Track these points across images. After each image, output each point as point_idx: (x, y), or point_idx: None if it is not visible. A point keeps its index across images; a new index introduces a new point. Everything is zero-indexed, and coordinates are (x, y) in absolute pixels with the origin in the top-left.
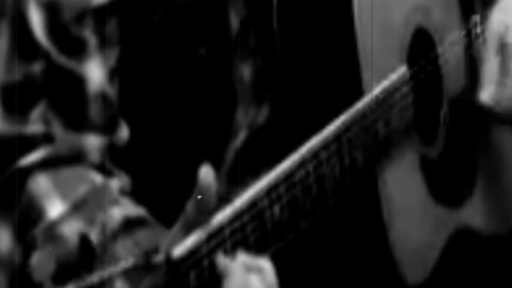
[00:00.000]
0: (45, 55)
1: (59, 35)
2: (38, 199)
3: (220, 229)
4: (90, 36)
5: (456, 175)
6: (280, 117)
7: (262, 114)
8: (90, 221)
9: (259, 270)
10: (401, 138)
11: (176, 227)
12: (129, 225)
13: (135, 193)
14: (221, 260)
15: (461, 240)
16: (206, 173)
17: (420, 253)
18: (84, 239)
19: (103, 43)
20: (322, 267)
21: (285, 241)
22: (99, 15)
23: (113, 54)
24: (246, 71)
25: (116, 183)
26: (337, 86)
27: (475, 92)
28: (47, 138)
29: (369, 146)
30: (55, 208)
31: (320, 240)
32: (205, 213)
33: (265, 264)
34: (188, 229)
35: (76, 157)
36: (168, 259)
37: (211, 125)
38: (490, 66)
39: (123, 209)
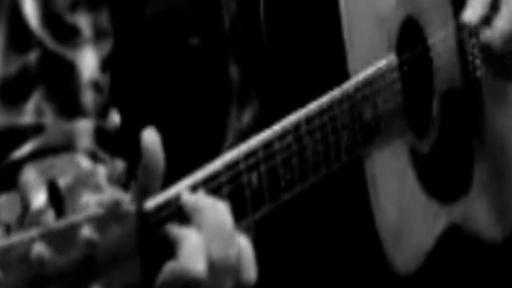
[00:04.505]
0: (39, 44)
1: (53, 23)
2: (27, 191)
3: (194, 187)
4: (83, 25)
5: (448, 170)
6: (268, 116)
7: (246, 118)
8: (72, 209)
9: None
10: (389, 126)
11: (130, 195)
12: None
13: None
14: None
15: (452, 238)
16: (149, 136)
17: (411, 244)
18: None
19: (97, 33)
20: (308, 254)
21: (264, 212)
22: (92, 4)
23: (107, 45)
24: (234, 71)
25: (103, 170)
26: (324, 83)
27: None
28: (38, 129)
29: (354, 128)
30: (39, 198)
31: (306, 225)
32: (155, 177)
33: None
34: (141, 196)
35: (66, 145)
36: (139, 208)
37: (204, 125)
38: None
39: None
